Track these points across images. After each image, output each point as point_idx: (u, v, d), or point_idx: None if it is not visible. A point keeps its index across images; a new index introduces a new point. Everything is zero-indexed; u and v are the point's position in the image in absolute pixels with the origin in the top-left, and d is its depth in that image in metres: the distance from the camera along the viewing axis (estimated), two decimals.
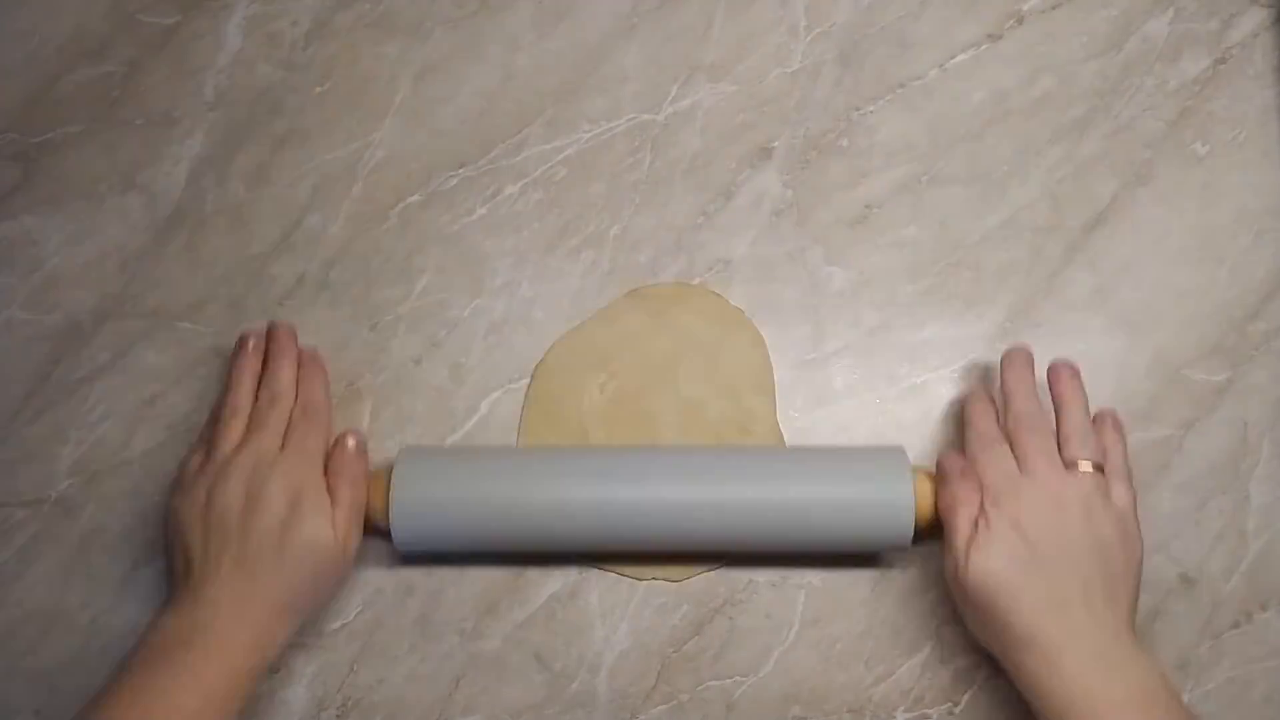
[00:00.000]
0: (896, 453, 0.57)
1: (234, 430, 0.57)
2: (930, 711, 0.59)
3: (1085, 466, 0.54)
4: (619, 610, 0.60)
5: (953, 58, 0.65)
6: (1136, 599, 0.54)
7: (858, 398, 0.62)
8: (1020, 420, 0.56)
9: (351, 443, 0.57)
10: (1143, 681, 0.50)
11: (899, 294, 0.63)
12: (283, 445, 0.56)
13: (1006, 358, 0.58)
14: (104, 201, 0.64)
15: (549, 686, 0.59)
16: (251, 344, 0.60)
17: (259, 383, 0.59)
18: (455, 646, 0.59)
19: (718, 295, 0.62)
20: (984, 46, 0.65)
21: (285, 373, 0.58)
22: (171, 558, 0.56)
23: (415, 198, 0.64)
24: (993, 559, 0.52)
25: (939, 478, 0.56)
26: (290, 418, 0.57)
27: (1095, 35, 0.65)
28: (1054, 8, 0.65)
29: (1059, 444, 0.55)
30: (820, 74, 0.65)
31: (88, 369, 0.62)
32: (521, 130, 0.64)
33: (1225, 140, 0.64)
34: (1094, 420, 0.57)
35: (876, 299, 0.63)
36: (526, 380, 0.62)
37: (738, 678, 0.59)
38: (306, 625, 0.57)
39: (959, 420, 0.59)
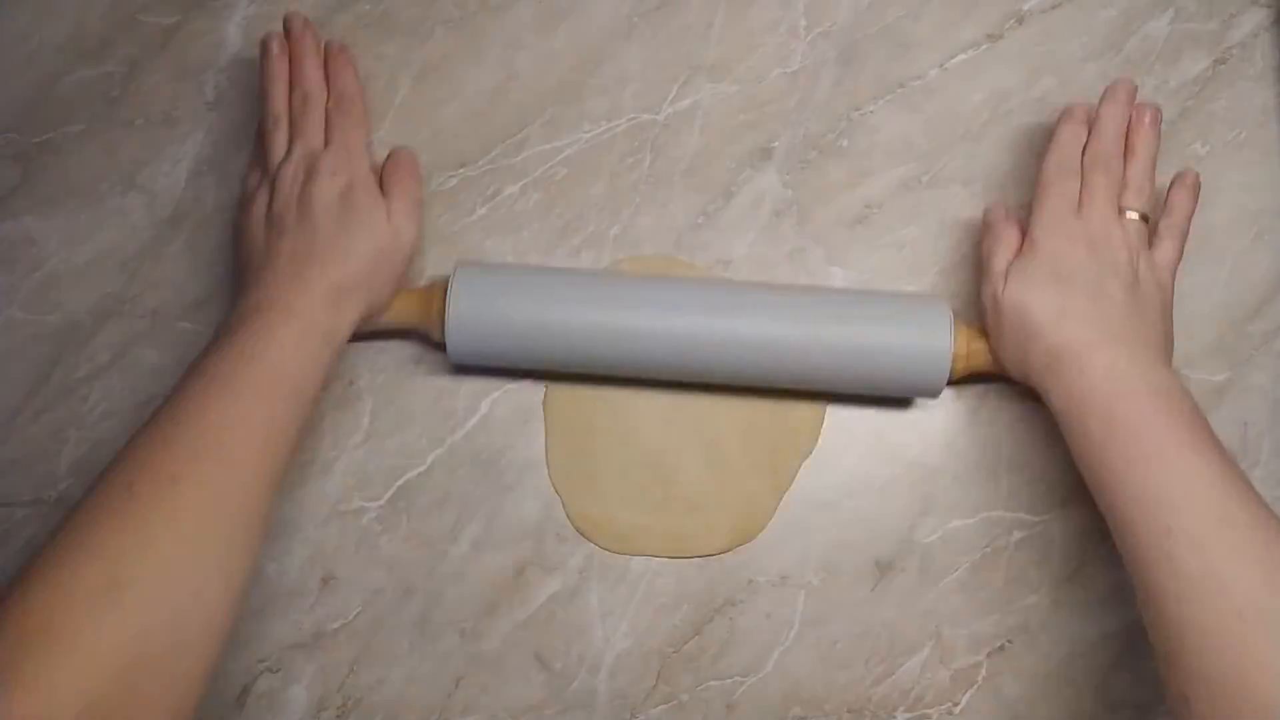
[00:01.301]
0: (938, 301, 0.58)
1: (278, 140, 0.58)
2: (930, 711, 0.59)
3: (1132, 215, 0.56)
4: (619, 610, 0.60)
5: (953, 58, 0.65)
6: (1171, 344, 0.56)
7: (858, 398, 0.62)
8: (1097, 159, 0.57)
9: (404, 150, 0.60)
10: (1167, 383, 0.52)
11: None
12: (326, 143, 0.58)
13: (1110, 90, 0.59)
14: (104, 201, 0.64)
15: (549, 686, 0.59)
16: (275, 48, 0.60)
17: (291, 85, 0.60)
18: (455, 646, 0.59)
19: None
20: (984, 46, 0.65)
21: (312, 71, 0.59)
22: (238, 275, 0.57)
23: None
24: (1031, 280, 0.55)
25: (984, 224, 0.59)
26: (327, 114, 0.59)
27: (1095, 35, 0.65)
28: (1054, 8, 0.65)
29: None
30: (820, 74, 0.65)
31: (88, 369, 0.62)
32: (521, 130, 0.64)
33: (1225, 140, 0.64)
34: (1175, 178, 0.59)
35: None
36: (527, 380, 0.62)
37: (738, 678, 0.59)
38: (371, 319, 0.57)
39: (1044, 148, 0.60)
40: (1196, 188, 0.59)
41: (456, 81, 0.65)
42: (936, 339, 0.56)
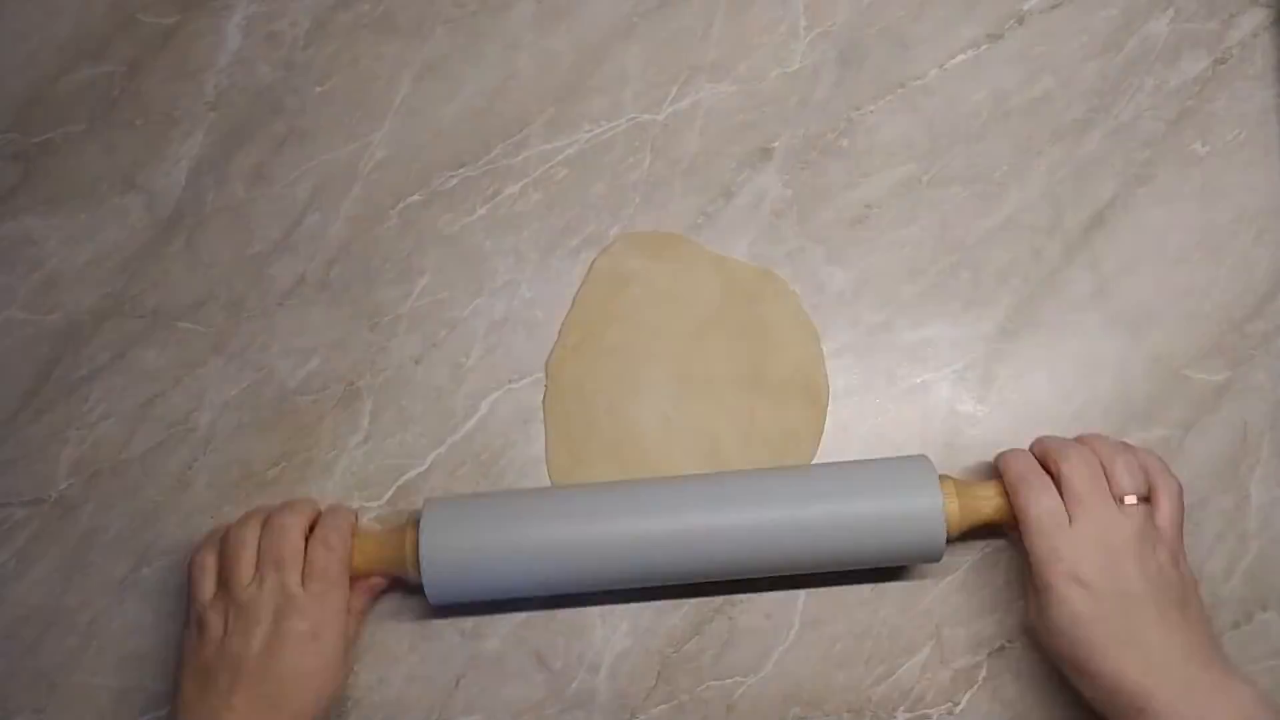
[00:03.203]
0: (921, 462, 0.56)
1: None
2: (930, 711, 0.59)
3: (1132, 500, 0.54)
4: (619, 610, 0.60)
5: (953, 58, 0.65)
6: (1208, 620, 0.53)
7: (858, 398, 0.62)
8: (1066, 454, 0.54)
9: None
10: (1240, 708, 0.49)
11: (899, 294, 0.63)
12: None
13: (1008, 454, 0.57)
14: (104, 201, 0.64)
15: (549, 686, 0.59)
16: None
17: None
18: (455, 646, 0.59)
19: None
20: (984, 46, 0.65)
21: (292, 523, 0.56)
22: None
23: (415, 198, 0.64)
24: (1060, 618, 0.52)
25: (1013, 483, 0.55)
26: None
27: (1095, 35, 0.65)
28: (1054, 8, 0.65)
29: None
30: (820, 74, 0.65)
31: (88, 369, 0.62)
32: (521, 130, 0.64)
33: (1225, 140, 0.64)
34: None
35: (876, 299, 0.63)
36: (527, 380, 0.62)
37: (738, 678, 0.59)
38: None
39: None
40: (1150, 451, 0.56)
41: (456, 81, 0.65)
42: (926, 503, 0.54)
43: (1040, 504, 0.54)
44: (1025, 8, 0.65)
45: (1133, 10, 0.65)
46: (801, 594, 0.60)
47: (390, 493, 0.61)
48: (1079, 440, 0.56)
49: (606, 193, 0.64)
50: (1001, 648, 0.59)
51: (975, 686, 0.59)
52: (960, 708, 0.59)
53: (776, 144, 0.64)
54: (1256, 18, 0.65)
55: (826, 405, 0.61)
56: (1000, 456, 0.57)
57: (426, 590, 0.55)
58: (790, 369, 0.61)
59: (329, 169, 0.64)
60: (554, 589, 0.57)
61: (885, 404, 0.62)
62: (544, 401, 0.61)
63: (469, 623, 0.59)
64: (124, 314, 0.63)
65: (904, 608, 0.60)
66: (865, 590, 0.60)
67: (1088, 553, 0.52)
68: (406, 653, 0.59)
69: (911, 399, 0.62)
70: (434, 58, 0.65)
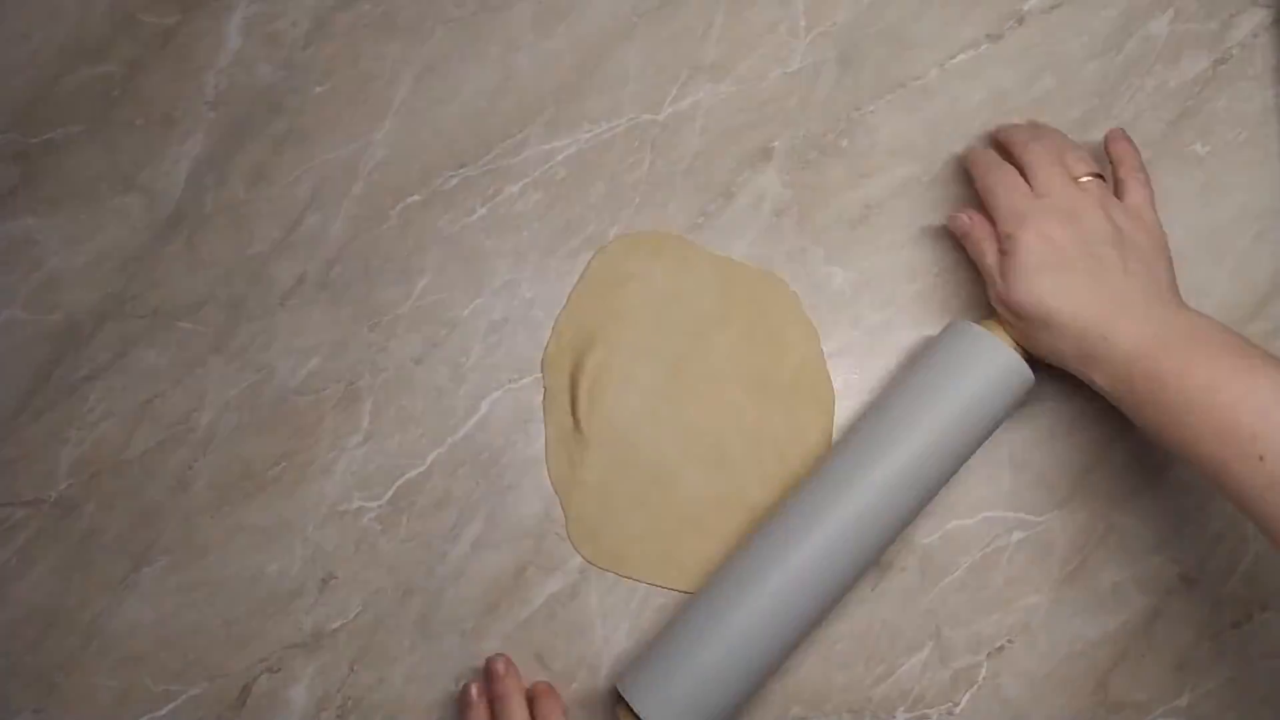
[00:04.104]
0: (962, 329, 0.57)
1: None
2: (930, 711, 0.59)
3: (1086, 177, 0.57)
4: (619, 610, 0.60)
5: (953, 58, 0.65)
6: (1173, 277, 0.56)
7: (858, 398, 0.62)
8: (1027, 142, 0.58)
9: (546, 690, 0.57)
10: (1193, 324, 0.53)
11: (899, 294, 0.63)
12: None
13: (974, 150, 0.61)
14: (104, 201, 0.64)
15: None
16: (475, 692, 0.58)
17: None
18: (455, 646, 0.59)
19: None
20: (984, 46, 0.65)
21: (517, 712, 0.56)
22: None
23: (415, 198, 0.64)
24: (1023, 275, 0.55)
25: (958, 235, 0.60)
26: None
27: (1095, 35, 0.65)
28: (1054, 8, 0.65)
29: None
30: (820, 74, 0.65)
31: (88, 369, 0.62)
32: (521, 130, 0.64)
33: (1225, 140, 0.64)
34: (1105, 138, 0.60)
35: (876, 299, 0.63)
36: (526, 380, 0.62)
37: None
38: None
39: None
40: (1126, 135, 0.60)
41: (456, 81, 0.65)
42: (996, 359, 0.56)
43: (1005, 183, 0.57)
44: (1025, 8, 0.65)
45: (1133, 10, 0.65)
46: None
47: (390, 492, 0.61)
48: (1032, 126, 0.61)
49: (606, 193, 0.64)
50: (1001, 648, 0.59)
51: (975, 686, 0.59)
52: (960, 708, 0.59)
53: (776, 144, 0.64)
54: (1256, 18, 0.65)
55: (834, 405, 0.61)
56: (966, 153, 0.61)
57: None
58: (793, 370, 0.61)
59: (329, 169, 0.64)
60: (769, 664, 0.55)
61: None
62: (544, 402, 0.61)
63: (469, 623, 0.60)
64: (124, 314, 0.63)
65: (904, 608, 0.60)
66: (865, 590, 0.60)
67: (1052, 215, 0.55)
68: (406, 652, 0.59)
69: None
70: (434, 58, 0.65)
